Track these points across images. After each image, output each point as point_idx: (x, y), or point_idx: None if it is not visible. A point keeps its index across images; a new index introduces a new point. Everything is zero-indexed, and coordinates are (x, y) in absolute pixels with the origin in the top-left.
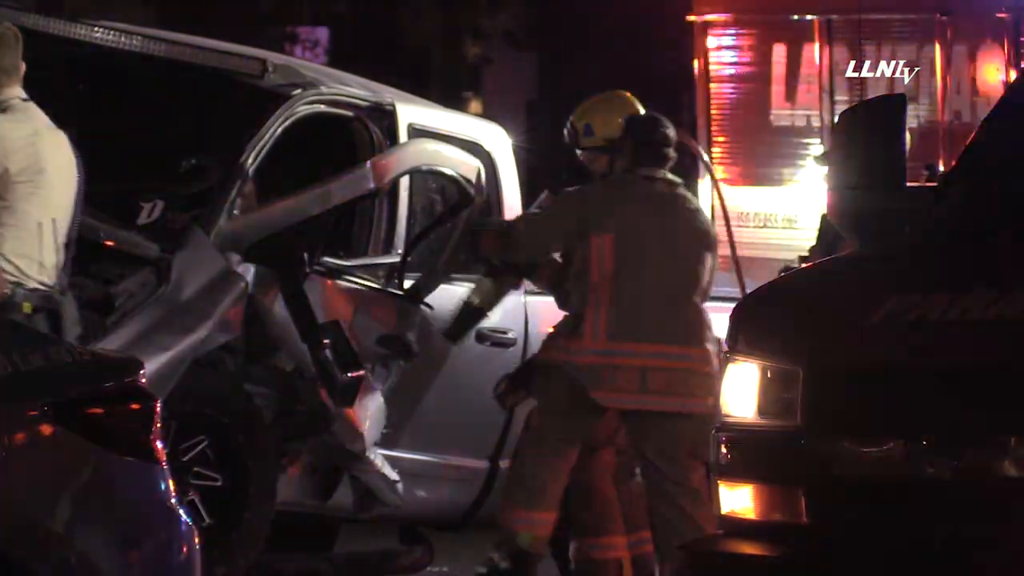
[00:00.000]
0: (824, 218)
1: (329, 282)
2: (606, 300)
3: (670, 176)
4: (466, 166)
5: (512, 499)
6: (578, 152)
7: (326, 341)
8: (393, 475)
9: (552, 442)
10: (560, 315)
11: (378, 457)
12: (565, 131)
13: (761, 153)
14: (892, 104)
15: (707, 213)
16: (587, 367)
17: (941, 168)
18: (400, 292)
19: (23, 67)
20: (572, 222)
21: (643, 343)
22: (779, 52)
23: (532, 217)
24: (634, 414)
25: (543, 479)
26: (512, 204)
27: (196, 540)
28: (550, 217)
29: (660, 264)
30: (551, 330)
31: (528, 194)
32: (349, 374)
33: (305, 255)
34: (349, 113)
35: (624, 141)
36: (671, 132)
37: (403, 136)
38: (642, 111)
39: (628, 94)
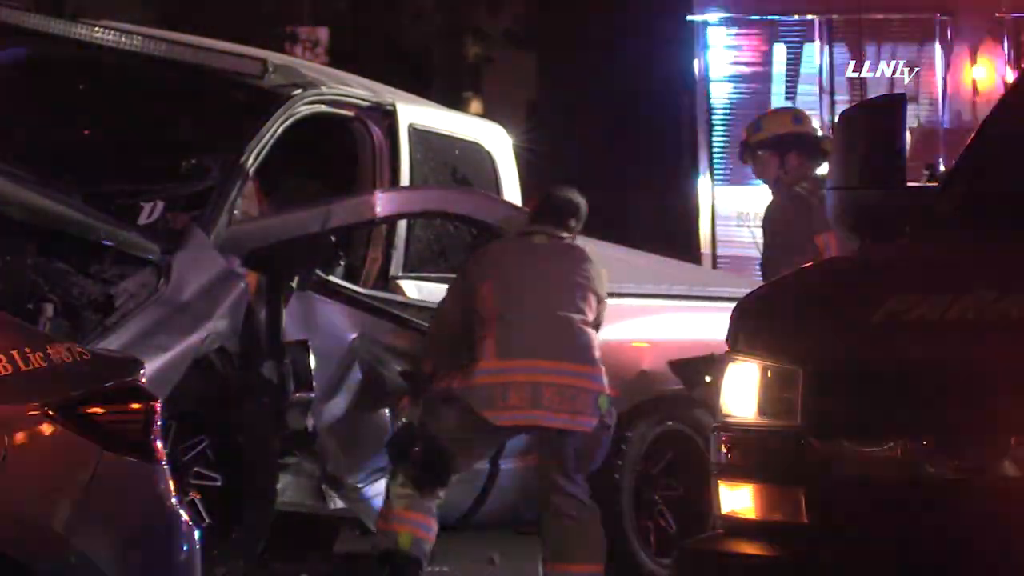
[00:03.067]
0: None
1: (346, 307)
2: (493, 328)
3: (554, 231)
4: (490, 212)
5: (393, 500)
6: (748, 162)
7: (287, 359)
8: None
9: None
10: None
11: (372, 489)
12: (740, 149)
13: None
14: (892, 104)
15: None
16: (479, 387)
17: (941, 168)
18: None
19: None
20: (463, 301)
21: (534, 359)
22: (779, 52)
23: (434, 321)
24: (529, 429)
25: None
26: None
27: (196, 540)
28: (446, 312)
29: (542, 296)
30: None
31: (528, 194)
32: (299, 394)
33: (309, 265)
34: (349, 113)
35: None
36: (570, 199)
37: (403, 136)
38: (814, 123)
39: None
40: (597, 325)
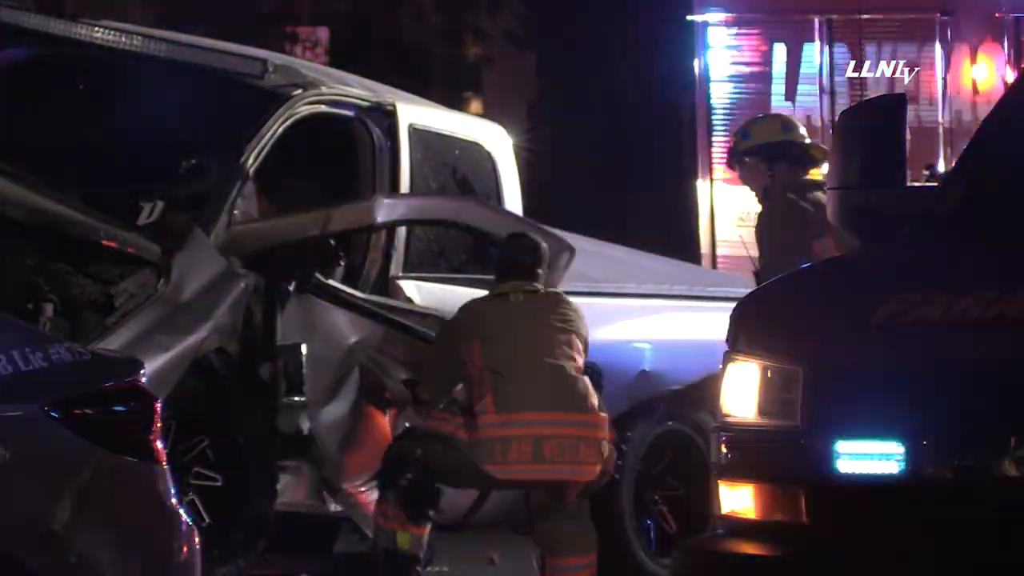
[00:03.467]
0: None
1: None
2: (488, 386)
3: (527, 286)
4: (492, 223)
5: (389, 499)
6: (736, 168)
7: (280, 362)
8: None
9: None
10: None
11: (370, 495)
12: (727, 156)
13: None
14: (892, 104)
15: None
16: (481, 442)
17: (941, 168)
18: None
19: None
20: (452, 353)
21: (535, 411)
22: (779, 52)
23: (426, 362)
24: (531, 484)
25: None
26: (512, 204)
27: (196, 540)
28: (436, 360)
29: (529, 351)
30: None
31: (528, 194)
32: (288, 398)
33: (308, 268)
34: (349, 113)
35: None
36: (532, 245)
37: (403, 136)
38: (802, 130)
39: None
40: (586, 344)
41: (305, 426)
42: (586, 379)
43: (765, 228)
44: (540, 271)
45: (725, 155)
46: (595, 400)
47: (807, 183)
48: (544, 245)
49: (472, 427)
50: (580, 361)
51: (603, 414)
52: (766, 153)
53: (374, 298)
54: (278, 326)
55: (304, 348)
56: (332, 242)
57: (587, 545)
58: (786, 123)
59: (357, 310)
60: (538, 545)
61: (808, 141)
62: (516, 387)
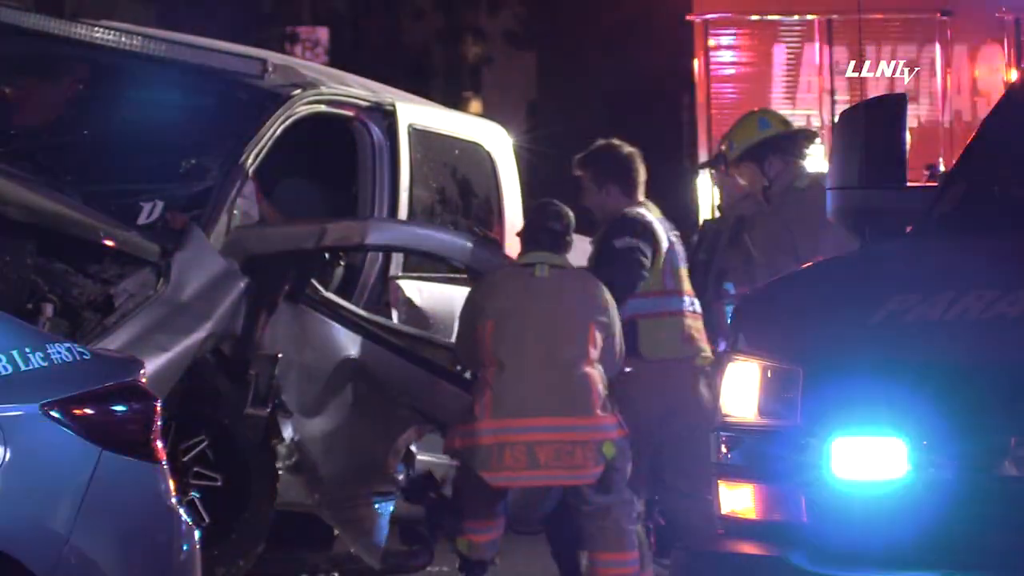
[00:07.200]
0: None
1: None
2: (491, 380)
3: (556, 259)
4: (482, 262)
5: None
6: (737, 178)
7: (252, 371)
8: (378, 535)
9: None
10: None
11: (359, 511)
12: (723, 166)
13: None
14: (892, 104)
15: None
16: (477, 448)
17: (941, 168)
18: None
19: None
20: (472, 331)
21: (529, 417)
22: (779, 52)
23: (457, 336)
24: (529, 488)
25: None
26: (512, 204)
27: (196, 540)
28: (464, 331)
29: (540, 342)
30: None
31: (528, 195)
32: (255, 409)
33: (301, 281)
34: (349, 113)
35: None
36: (560, 212)
37: (403, 136)
38: (781, 116)
39: (767, 109)
40: (613, 336)
41: (288, 435)
42: (595, 375)
43: (767, 229)
44: (569, 239)
45: (720, 164)
46: (599, 398)
47: (814, 179)
48: (569, 211)
49: (468, 434)
50: (595, 354)
51: (605, 414)
52: (751, 157)
53: (374, 317)
54: (257, 335)
55: (279, 359)
56: (326, 256)
57: (621, 544)
58: (761, 119)
59: (352, 327)
60: (582, 542)
61: (791, 129)
62: (515, 388)
